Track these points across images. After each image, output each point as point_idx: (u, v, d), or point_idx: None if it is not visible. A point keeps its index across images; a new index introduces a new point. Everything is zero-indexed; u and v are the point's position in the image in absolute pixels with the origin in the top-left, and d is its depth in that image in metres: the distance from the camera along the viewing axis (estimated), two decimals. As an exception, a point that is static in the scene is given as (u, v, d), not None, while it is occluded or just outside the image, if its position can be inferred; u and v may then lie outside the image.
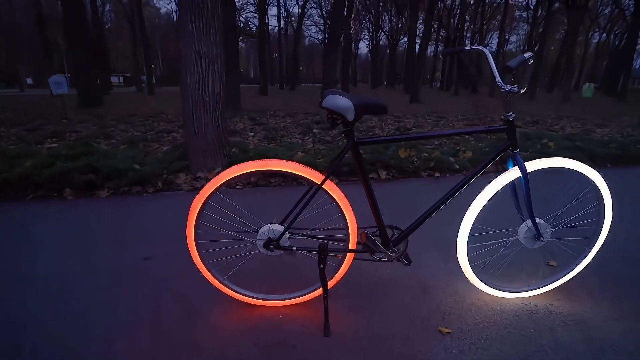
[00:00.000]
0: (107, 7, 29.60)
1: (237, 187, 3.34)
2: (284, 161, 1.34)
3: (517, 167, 1.40)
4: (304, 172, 1.35)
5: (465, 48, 1.43)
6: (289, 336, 1.41)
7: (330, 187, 1.38)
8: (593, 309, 1.59)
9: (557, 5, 21.14)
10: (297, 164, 1.35)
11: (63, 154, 3.46)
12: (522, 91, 1.25)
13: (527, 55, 1.21)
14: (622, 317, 1.53)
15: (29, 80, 30.77)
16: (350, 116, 1.22)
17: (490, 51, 1.37)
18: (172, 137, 5.50)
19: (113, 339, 1.38)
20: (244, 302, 1.57)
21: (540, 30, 22.06)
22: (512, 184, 1.48)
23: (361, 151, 1.37)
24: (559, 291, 1.69)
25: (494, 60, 1.34)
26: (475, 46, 1.38)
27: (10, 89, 23.73)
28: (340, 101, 1.21)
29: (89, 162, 3.22)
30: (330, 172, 1.35)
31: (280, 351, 1.34)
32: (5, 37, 27.55)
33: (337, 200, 1.40)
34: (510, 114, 1.34)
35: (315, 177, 1.35)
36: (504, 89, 1.28)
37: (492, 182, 1.44)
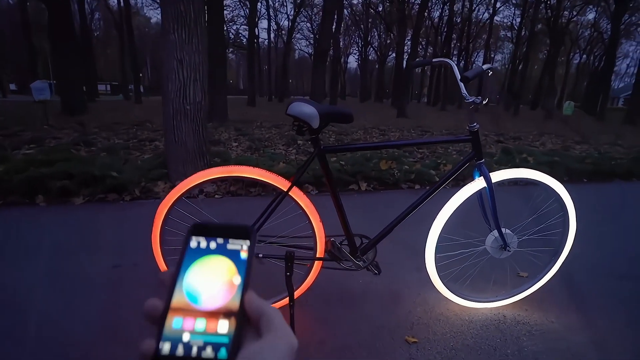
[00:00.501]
0: (97, 15, 29.53)
1: (216, 196, 3.31)
2: (250, 167, 1.34)
3: (482, 177, 1.43)
4: (270, 179, 1.35)
5: (433, 60, 1.46)
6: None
7: (297, 195, 1.38)
8: (558, 318, 1.61)
9: (539, 26, 21.98)
10: (264, 171, 1.35)
11: (38, 159, 3.39)
12: (484, 102, 1.28)
13: (485, 67, 1.24)
14: (586, 327, 1.55)
15: (12, 86, 30.23)
16: (315, 123, 1.23)
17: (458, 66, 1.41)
18: (154, 145, 5.45)
19: (77, 345, 1.33)
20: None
21: (524, 49, 22.83)
22: (480, 194, 1.50)
23: (327, 159, 1.37)
24: (527, 301, 1.70)
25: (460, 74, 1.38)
26: (442, 59, 1.41)
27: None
28: (305, 108, 1.22)
29: (64, 168, 3.16)
30: (297, 179, 1.35)
31: None
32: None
33: (303, 207, 1.40)
34: (475, 124, 1.37)
35: (282, 184, 1.35)
36: (468, 99, 1.31)
37: (458, 192, 1.46)
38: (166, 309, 0.29)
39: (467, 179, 1.52)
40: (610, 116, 17.15)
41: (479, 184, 1.45)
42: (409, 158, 4.71)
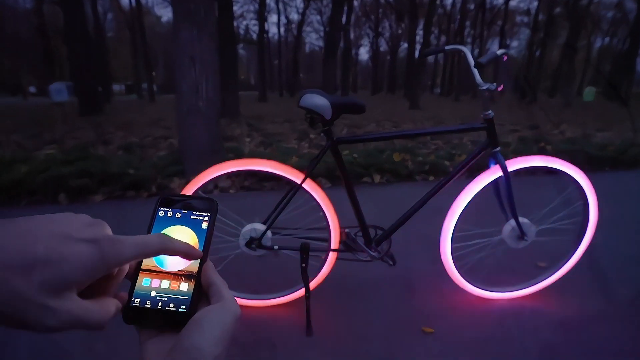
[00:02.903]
0: (109, 17, 29.99)
1: (231, 191, 3.35)
2: (263, 160, 1.35)
3: (498, 165, 1.40)
4: (284, 171, 1.35)
5: (446, 47, 1.43)
6: (271, 336, 1.41)
7: (311, 187, 1.39)
8: (579, 310, 1.57)
9: (558, 9, 21.23)
10: (277, 163, 1.36)
11: (58, 159, 3.49)
12: (499, 88, 1.25)
13: (499, 52, 1.21)
14: (607, 318, 1.52)
15: (32, 89, 31.10)
16: (328, 115, 1.23)
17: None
18: (169, 142, 5.53)
19: (92, 341, 1.38)
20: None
21: (542, 35, 22.13)
22: (495, 183, 1.47)
23: (340, 151, 1.37)
24: (546, 292, 1.67)
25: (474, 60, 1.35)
26: (455, 46, 1.38)
27: (14, 98, 24.02)
28: (318, 100, 1.22)
29: (83, 167, 3.24)
30: (310, 171, 1.35)
31: (261, 350, 1.33)
32: (9, 47, 27.97)
33: (317, 199, 1.40)
34: (490, 112, 1.34)
35: (295, 176, 1.36)
36: (483, 87, 1.28)
37: (473, 182, 1.44)
38: (137, 269, 0.33)
39: (482, 169, 1.49)
40: (635, 101, 16.52)
41: (494, 172, 1.42)
42: (422, 149, 4.66)
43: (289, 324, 1.47)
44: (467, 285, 1.59)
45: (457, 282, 1.59)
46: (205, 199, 0.37)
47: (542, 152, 4.33)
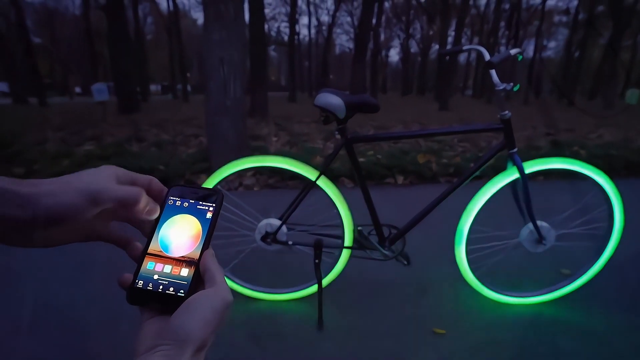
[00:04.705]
0: (149, 20, 31.38)
1: (255, 188, 3.44)
2: (279, 157, 1.40)
3: (515, 167, 1.38)
4: (298, 168, 1.40)
5: (464, 47, 1.43)
6: (283, 329, 1.45)
7: (326, 184, 1.42)
8: (603, 319, 1.51)
9: (600, 8, 20.10)
10: (292, 160, 1.40)
11: (96, 155, 3.72)
12: (515, 89, 1.23)
13: (513, 51, 1.20)
14: (634, 329, 1.45)
15: (78, 89, 33.07)
16: (341, 114, 1.26)
17: (525, 57, 1.35)
18: (199, 140, 5.72)
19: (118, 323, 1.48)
20: (242, 295, 1.62)
21: (582, 34, 21.02)
22: (513, 185, 1.45)
23: (356, 149, 1.40)
24: (567, 299, 1.61)
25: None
26: (473, 45, 1.38)
27: (62, 97, 25.64)
28: (331, 99, 1.25)
29: (118, 162, 3.44)
30: (324, 169, 1.39)
31: (272, 342, 1.38)
32: (60, 50, 29.96)
33: (331, 196, 1.43)
34: (506, 112, 1.32)
35: (310, 173, 1.40)
36: (499, 87, 1.27)
37: (489, 183, 1.42)
38: (144, 253, 0.36)
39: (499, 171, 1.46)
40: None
41: (511, 174, 1.40)
42: (448, 151, 4.58)
43: (301, 318, 1.51)
44: (482, 288, 1.57)
45: (471, 284, 1.57)
46: (212, 191, 0.39)
47: (574, 156, 4.14)
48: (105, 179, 0.34)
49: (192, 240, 0.36)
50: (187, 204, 0.38)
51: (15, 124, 6.96)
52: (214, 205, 0.38)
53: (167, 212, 0.37)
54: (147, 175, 0.39)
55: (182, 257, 0.35)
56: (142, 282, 0.35)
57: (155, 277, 0.35)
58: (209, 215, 0.37)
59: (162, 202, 0.38)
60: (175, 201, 0.38)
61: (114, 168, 0.36)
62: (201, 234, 0.36)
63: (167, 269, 0.35)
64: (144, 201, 0.35)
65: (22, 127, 6.55)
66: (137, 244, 0.38)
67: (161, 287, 0.34)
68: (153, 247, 0.36)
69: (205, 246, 0.36)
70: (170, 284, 0.34)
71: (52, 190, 0.31)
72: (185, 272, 0.35)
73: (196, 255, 0.35)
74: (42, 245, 0.33)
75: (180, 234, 0.36)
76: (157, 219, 0.37)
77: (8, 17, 16.73)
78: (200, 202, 0.38)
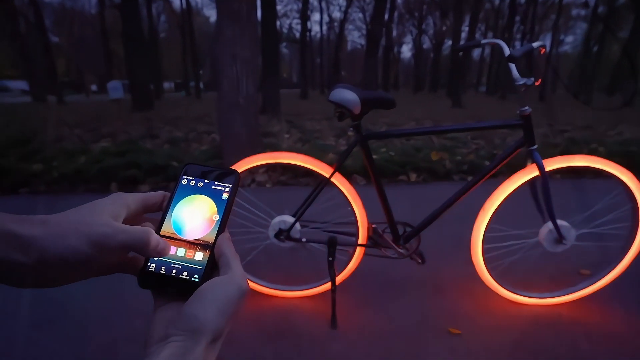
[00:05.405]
0: (162, 18, 31.72)
1: (267, 185, 3.44)
2: (293, 154, 1.39)
3: (535, 164, 1.34)
4: (312, 165, 1.38)
5: (482, 41, 1.39)
6: (296, 326, 1.45)
7: (340, 181, 1.41)
8: (625, 321, 1.47)
9: (621, 0, 19.50)
10: (306, 157, 1.39)
11: (111, 151, 3.78)
12: (536, 83, 1.20)
13: (535, 44, 1.16)
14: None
15: (94, 87, 33.69)
16: (357, 109, 1.24)
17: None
18: (212, 137, 5.77)
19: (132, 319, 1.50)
20: (256, 291, 1.62)
21: (601, 28, 20.42)
22: (532, 183, 1.41)
23: (370, 146, 1.38)
24: (588, 300, 1.57)
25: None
26: (491, 39, 1.34)
27: (78, 95, 26.18)
28: (347, 95, 1.23)
29: (133, 159, 3.49)
30: (339, 166, 1.37)
31: (285, 339, 1.38)
32: (76, 49, 30.57)
33: (346, 193, 1.42)
34: (526, 108, 1.29)
35: (324, 170, 1.38)
36: (519, 82, 1.23)
37: (507, 180, 1.39)
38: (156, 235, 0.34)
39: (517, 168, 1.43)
40: None
41: (530, 171, 1.36)
42: (462, 149, 4.51)
43: (315, 315, 1.51)
44: (499, 287, 1.54)
45: (488, 284, 1.54)
46: (228, 170, 0.37)
47: (592, 153, 4.03)
48: (112, 216, 0.32)
49: (207, 223, 0.34)
50: (201, 184, 0.36)
51: (35, 121, 7.12)
52: (230, 185, 0.36)
53: (180, 191, 0.36)
54: (159, 192, 0.37)
55: (197, 240, 0.34)
56: (154, 265, 0.33)
57: (168, 260, 0.33)
58: (224, 196, 0.35)
59: (176, 181, 0.36)
60: (189, 180, 0.36)
61: (123, 197, 0.34)
62: (217, 216, 0.34)
63: (181, 252, 0.33)
64: (154, 242, 0.32)
65: (40, 124, 6.70)
66: (149, 224, 0.35)
67: (174, 271, 0.33)
68: (165, 228, 0.34)
69: (221, 229, 0.34)
70: (184, 268, 0.33)
71: (57, 233, 0.29)
72: (199, 256, 0.33)
73: (211, 239, 0.34)
74: (52, 286, 0.31)
75: (195, 215, 0.35)
76: (170, 199, 0.35)
77: (27, 17, 17.10)
78: (216, 182, 0.36)
